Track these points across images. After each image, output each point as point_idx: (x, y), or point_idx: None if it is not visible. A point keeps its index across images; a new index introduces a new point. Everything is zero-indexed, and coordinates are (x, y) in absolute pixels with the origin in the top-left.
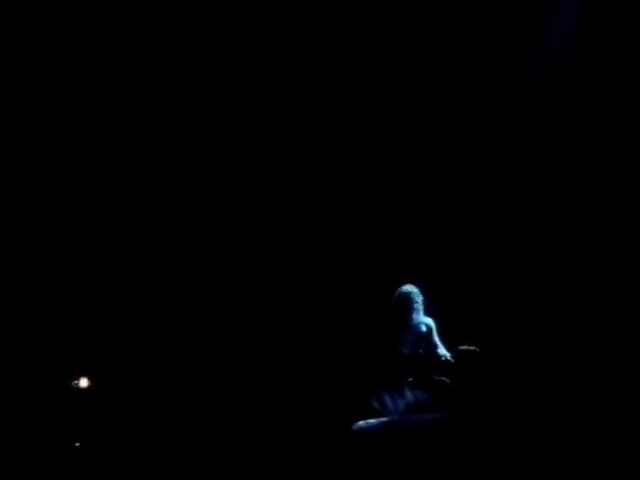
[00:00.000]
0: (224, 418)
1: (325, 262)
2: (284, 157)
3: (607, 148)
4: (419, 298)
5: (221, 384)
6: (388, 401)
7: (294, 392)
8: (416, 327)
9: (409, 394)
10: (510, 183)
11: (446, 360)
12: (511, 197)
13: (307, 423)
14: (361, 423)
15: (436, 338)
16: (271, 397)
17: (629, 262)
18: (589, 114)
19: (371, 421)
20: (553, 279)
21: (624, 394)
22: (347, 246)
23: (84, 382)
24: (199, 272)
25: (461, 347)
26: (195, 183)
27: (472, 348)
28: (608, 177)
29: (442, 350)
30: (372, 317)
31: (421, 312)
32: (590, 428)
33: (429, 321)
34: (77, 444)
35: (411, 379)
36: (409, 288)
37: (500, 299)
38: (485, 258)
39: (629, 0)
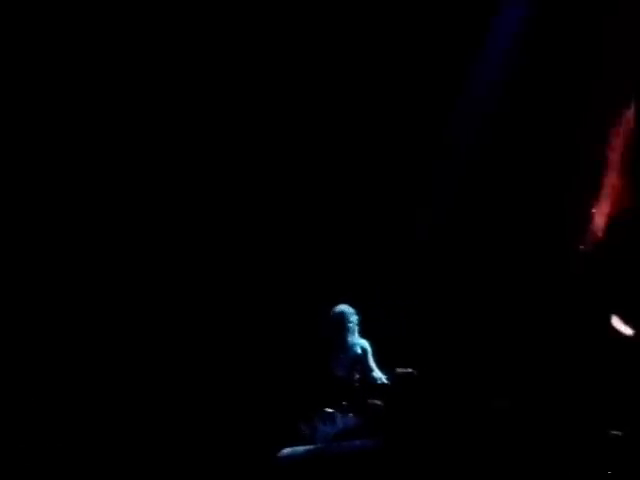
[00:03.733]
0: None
1: (253, 280)
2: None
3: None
4: (354, 318)
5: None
6: (320, 426)
7: (217, 415)
8: (351, 349)
9: (342, 419)
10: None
11: (382, 384)
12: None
13: (230, 450)
14: (287, 450)
15: (371, 360)
16: (192, 420)
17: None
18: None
19: (297, 448)
20: (489, 305)
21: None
22: (274, 266)
23: None
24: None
25: (398, 370)
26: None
27: (409, 371)
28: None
29: (378, 373)
30: (304, 338)
31: (356, 333)
32: (531, 455)
33: (364, 343)
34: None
35: (345, 403)
36: (343, 307)
37: (439, 320)
38: (423, 277)
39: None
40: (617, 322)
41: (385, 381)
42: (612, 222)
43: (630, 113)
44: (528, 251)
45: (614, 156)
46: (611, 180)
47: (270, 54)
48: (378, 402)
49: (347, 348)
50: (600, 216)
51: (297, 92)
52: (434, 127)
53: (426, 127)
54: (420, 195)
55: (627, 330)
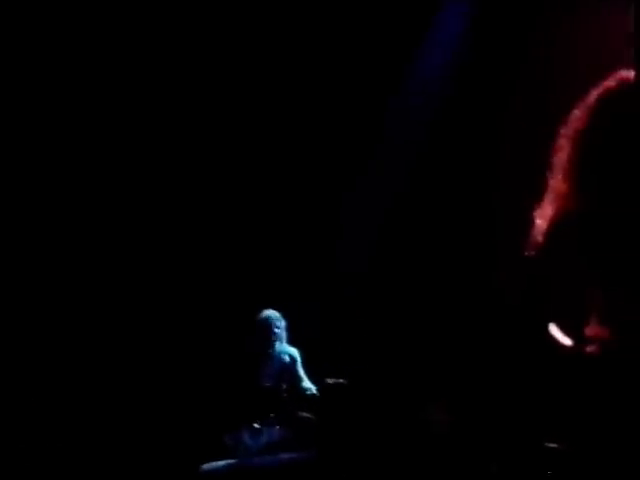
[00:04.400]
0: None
1: (176, 287)
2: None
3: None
4: (280, 323)
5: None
6: (246, 439)
7: (138, 429)
8: (278, 357)
9: (269, 432)
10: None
11: (311, 394)
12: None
13: (150, 464)
14: (207, 466)
15: (301, 370)
16: (110, 431)
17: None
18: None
19: (218, 463)
20: (423, 312)
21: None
22: (199, 273)
23: None
24: None
25: (328, 380)
26: None
27: (340, 381)
28: None
29: (307, 383)
30: (228, 345)
31: (284, 340)
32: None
33: (293, 351)
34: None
35: (272, 415)
36: (269, 313)
37: (370, 327)
38: (353, 284)
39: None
40: (555, 331)
41: (315, 392)
42: (555, 226)
43: (579, 112)
44: (462, 255)
45: (560, 157)
46: (556, 182)
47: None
48: (307, 414)
49: (274, 356)
50: (542, 220)
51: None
52: (368, 132)
53: (360, 133)
54: (347, 196)
55: (566, 340)
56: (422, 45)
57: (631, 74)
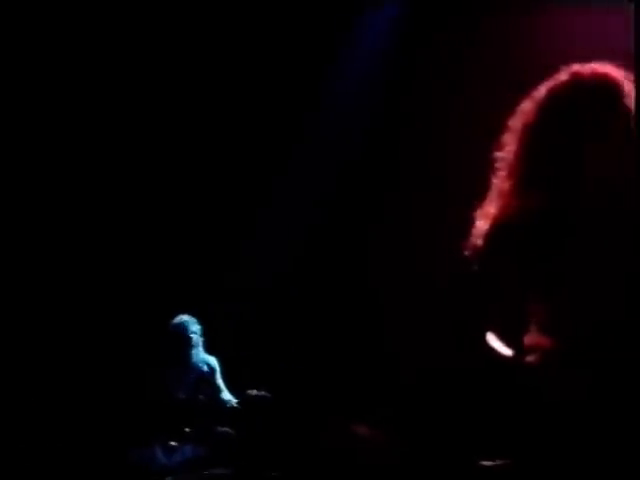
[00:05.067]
0: None
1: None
2: None
3: None
4: (196, 328)
5: None
6: (159, 457)
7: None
8: (195, 366)
9: (184, 448)
10: None
11: (231, 407)
12: None
13: None
14: None
15: (220, 380)
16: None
17: None
18: None
19: None
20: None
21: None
22: (107, 273)
23: None
24: None
25: (250, 392)
26: None
27: (262, 393)
28: None
29: (227, 395)
30: (139, 353)
31: (200, 347)
32: None
33: (211, 359)
34: None
35: (188, 430)
36: (183, 317)
37: (292, 338)
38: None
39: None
40: (494, 340)
41: (235, 404)
42: (496, 227)
43: (528, 105)
44: (395, 261)
45: (505, 153)
46: (500, 179)
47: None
48: (227, 429)
49: (190, 365)
50: (483, 220)
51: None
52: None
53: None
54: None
55: (504, 350)
56: (346, 49)
57: (584, 68)
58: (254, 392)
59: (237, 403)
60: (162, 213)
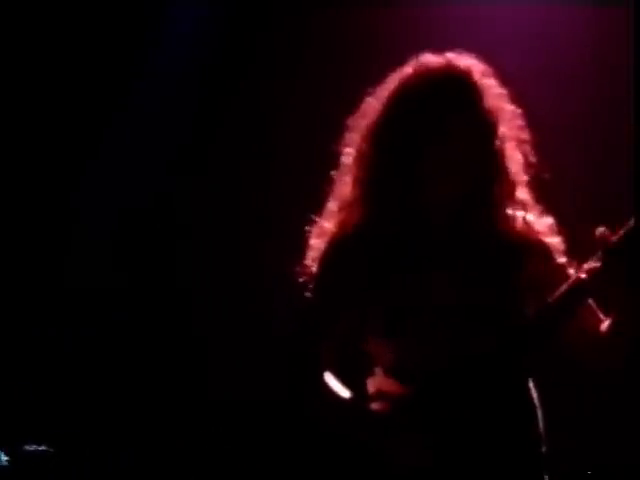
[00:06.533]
0: None
1: None
2: None
3: None
4: None
5: None
6: None
7: None
8: None
9: None
10: None
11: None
12: None
13: None
14: None
15: None
16: None
17: None
18: None
19: None
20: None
21: None
22: None
23: None
24: None
25: (27, 447)
26: None
27: (43, 449)
28: None
29: None
30: None
31: None
32: None
33: None
34: None
35: None
36: None
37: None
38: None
39: None
40: (333, 382)
41: (5, 462)
42: (335, 247)
43: (375, 101)
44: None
45: (348, 156)
46: (342, 187)
47: None
48: None
49: None
50: (319, 238)
51: None
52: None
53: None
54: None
55: (344, 394)
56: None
57: (438, 59)
58: (32, 447)
59: (7, 461)
60: None
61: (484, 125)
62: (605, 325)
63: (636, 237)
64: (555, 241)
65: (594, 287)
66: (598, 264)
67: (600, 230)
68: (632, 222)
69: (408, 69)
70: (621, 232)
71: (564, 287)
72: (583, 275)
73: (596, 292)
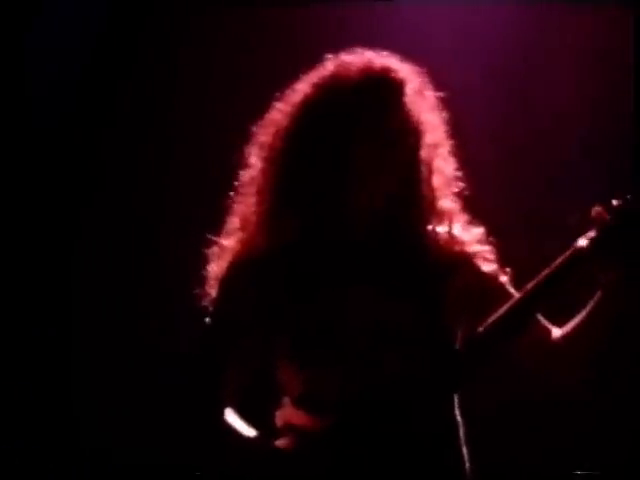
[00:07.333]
0: None
1: None
2: None
3: None
4: None
5: None
6: None
7: None
8: None
9: None
10: None
11: None
12: None
13: None
14: None
15: None
16: None
17: None
18: None
19: None
20: None
21: None
22: None
23: None
24: None
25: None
26: None
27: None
28: None
29: None
30: None
31: None
32: None
33: None
34: None
35: None
36: None
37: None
38: None
39: None
40: (234, 419)
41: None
42: (235, 272)
43: (283, 108)
44: None
45: (252, 171)
46: (244, 206)
47: None
48: None
49: None
50: (219, 262)
51: None
52: None
53: None
54: None
55: (248, 431)
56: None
57: (354, 59)
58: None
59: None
60: None
61: (406, 128)
62: (556, 333)
63: (632, 210)
64: (483, 250)
65: (593, 255)
66: (597, 234)
67: (596, 209)
68: (628, 198)
69: (323, 70)
70: (617, 208)
71: (560, 258)
72: (584, 242)
73: (595, 260)
